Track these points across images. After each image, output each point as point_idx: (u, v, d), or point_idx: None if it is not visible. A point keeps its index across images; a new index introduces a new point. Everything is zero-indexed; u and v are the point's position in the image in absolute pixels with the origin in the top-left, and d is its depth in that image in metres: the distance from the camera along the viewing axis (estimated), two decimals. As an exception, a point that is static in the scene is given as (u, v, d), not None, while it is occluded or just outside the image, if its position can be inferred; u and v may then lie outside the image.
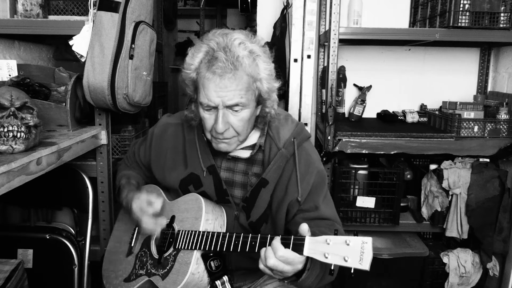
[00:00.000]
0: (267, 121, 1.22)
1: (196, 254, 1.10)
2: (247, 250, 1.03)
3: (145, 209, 1.17)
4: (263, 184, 1.18)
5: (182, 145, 1.27)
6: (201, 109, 1.11)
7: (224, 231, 1.17)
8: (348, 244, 0.86)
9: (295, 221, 1.18)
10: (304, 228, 0.94)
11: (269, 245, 0.97)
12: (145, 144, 1.38)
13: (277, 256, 0.93)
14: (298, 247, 0.92)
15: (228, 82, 1.04)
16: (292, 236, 0.95)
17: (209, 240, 1.09)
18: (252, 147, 1.22)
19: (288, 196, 1.18)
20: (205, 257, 1.11)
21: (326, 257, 0.87)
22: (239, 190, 1.24)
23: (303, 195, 1.17)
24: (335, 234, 0.91)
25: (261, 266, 0.97)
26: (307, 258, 0.95)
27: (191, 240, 1.11)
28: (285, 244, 0.94)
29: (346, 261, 0.85)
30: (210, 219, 1.15)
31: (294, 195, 1.18)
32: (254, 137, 1.22)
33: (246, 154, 1.23)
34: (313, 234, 0.96)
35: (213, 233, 1.10)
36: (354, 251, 0.85)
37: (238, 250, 1.04)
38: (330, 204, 1.23)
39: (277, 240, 0.95)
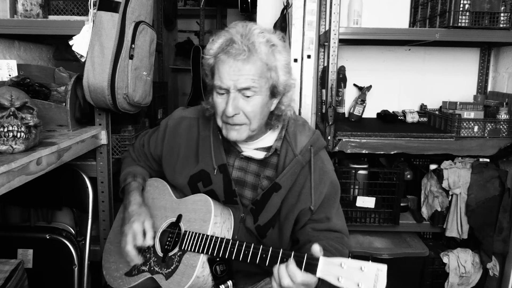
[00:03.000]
0: (285, 124, 1.21)
1: (203, 258, 1.10)
2: (257, 262, 1.02)
3: (137, 237, 1.16)
4: (275, 189, 1.17)
5: (196, 141, 1.26)
6: (215, 94, 1.11)
7: (231, 234, 1.17)
8: (362, 270, 0.86)
9: (305, 231, 1.18)
10: (316, 248, 0.93)
11: (281, 261, 0.96)
12: (156, 136, 1.36)
13: (294, 281, 0.92)
14: (311, 267, 0.92)
15: (242, 64, 1.04)
16: (306, 255, 0.94)
17: (217, 246, 1.08)
18: (267, 149, 1.21)
19: (300, 204, 1.17)
20: (211, 261, 1.10)
21: (339, 281, 0.87)
22: (249, 191, 1.22)
23: (316, 204, 1.17)
24: (349, 257, 0.91)
25: (274, 285, 0.96)
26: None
27: (199, 243, 1.11)
28: (298, 262, 0.93)
29: (359, 287, 0.85)
30: (219, 222, 1.14)
31: (306, 204, 1.17)
32: (270, 139, 1.21)
33: (260, 155, 1.21)
34: (323, 247, 0.95)
35: (221, 239, 1.09)
36: (368, 278, 0.85)
37: (248, 261, 1.03)
38: (341, 216, 1.23)
39: (292, 264, 0.93)
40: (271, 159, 1.21)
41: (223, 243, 1.08)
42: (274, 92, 1.12)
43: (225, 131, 1.14)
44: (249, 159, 1.22)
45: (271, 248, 1.01)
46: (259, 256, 1.02)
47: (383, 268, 0.85)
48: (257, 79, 1.06)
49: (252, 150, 1.22)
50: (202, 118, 1.27)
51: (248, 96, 1.08)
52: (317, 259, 0.92)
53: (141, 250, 1.19)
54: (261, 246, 1.03)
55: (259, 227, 1.20)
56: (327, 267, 0.90)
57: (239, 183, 1.23)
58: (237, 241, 1.07)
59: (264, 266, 1.00)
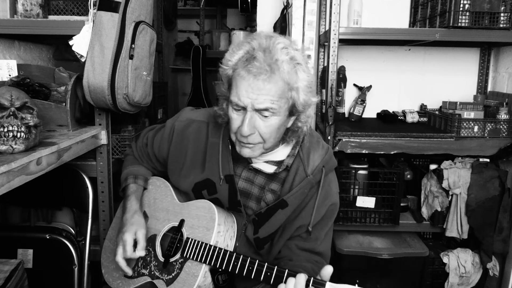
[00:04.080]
0: (300, 141, 1.17)
1: (205, 268, 1.09)
2: (261, 279, 1.01)
3: (126, 248, 1.15)
4: (282, 205, 1.14)
5: (204, 146, 1.21)
6: (230, 108, 1.06)
7: (234, 242, 1.16)
8: None
9: (289, 246, 1.17)
10: (328, 271, 0.92)
11: (285, 281, 0.95)
12: (161, 136, 1.30)
13: None
14: None
15: (262, 84, 0.98)
16: (312, 278, 0.93)
17: (220, 258, 1.07)
18: (278, 163, 1.18)
19: (298, 221, 1.16)
20: (213, 271, 1.10)
21: None
22: (253, 203, 1.20)
23: (313, 224, 1.16)
24: (356, 284, 0.88)
25: None
26: None
27: (201, 253, 1.10)
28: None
29: None
30: (222, 231, 1.13)
31: (304, 221, 1.16)
32: (283, 153, 1.18)
33: (270, 169, 1.18)
34: (307, 271, 0.95)
35: (225, 251, 1.08)
36: None
37: (252, 277, 1.02)
38: (329, 239, 1.22)
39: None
40: (280, 174, 1.18)
41: (227, 256, 1.07)
42: (292, 111, 1.08)
43: (238, 148, 1.10)
44: (257, 171, 1.19)
45: (276, 267, 1.00)
46: (263, 274, 1.01)
47: None
48: (277, 100, 1.00)
49: (262, 163, 1.18)
50: (212, 123, 1.22)
51: (265, 116, 1.02)
52: (323, 284, 0.91)
53: (133, 260, 1.19)
54: (266, 264, 1.02)
55: (258, 239, 1.18)
56: None
57: (244, 194, 1.20)
58: (241, 256, 1.06)
59: (268, 284, 1.00)
